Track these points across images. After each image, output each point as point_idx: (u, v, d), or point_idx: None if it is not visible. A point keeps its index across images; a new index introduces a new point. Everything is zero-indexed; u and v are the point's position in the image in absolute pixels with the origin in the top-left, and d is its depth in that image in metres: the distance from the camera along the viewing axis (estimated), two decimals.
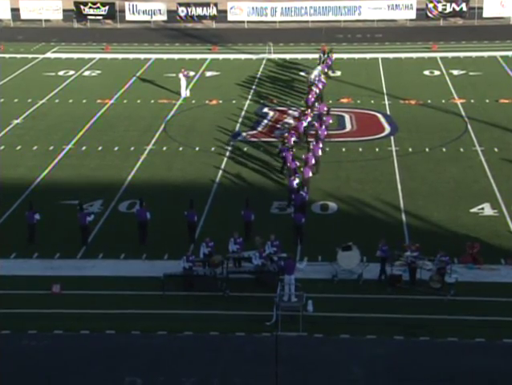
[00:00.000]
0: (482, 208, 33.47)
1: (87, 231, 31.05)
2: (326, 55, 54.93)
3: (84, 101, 49.77)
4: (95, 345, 24.33)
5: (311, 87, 47.29)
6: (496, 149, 40.06)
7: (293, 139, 38.82)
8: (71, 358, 23.59)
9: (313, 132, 40.70)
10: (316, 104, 44.85)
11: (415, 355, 23.63)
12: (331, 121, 42.34)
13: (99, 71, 57.17)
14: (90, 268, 29.28)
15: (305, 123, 41.08)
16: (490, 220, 32.49)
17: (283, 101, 48.83)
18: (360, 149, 40.60)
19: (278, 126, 44.37)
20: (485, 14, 69.59)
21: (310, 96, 45.41)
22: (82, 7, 72.52)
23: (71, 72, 56.79)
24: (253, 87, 52.25)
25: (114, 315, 25.98)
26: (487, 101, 47.92)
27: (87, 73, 56.87)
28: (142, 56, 61.07)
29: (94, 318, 25.81)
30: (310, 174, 34.96)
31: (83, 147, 41.74)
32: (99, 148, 41.56)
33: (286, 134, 39.65)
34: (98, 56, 61.41)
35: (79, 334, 24.89)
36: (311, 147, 37.68)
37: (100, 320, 25.60)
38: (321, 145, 38.10)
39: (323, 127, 40.23)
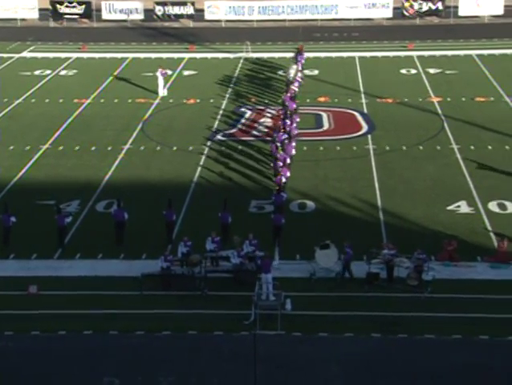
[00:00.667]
0: (459, 206, 33.69)
1: (64, 232, 30.88)
2: (298, 54, 54.88)
3: (61, 101, 49.51)
4: (72, 345, 24.20)
5: (290, 85, 47.37)
6: (472, 147, 40.34)
7: (283, 137, 38.69)
8: (48, 359, 23.46)
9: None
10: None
11: (393, 353, 23.73)
12: (298, 119, 42.38)
13: (75, 71, 56.88)
14: (67, 268, 29.12)
15: (289, 122, 40.98)
16: (467, 217, 32.72)
17: (261, 100, 48.87)
18: (338, 148, 40.72)
19: (256, 125, 44.43)
20: (461, 13, 70.06)
21: (288, 95, 45.46)
22: (58, 6, 72.14)
23: (48, 72, 56.47)
24: (231, 86, 52.25)
25: (91, 315, 25.86)
26: (463, 99, 48.25)
27: (63, 72, 56.57)
28: (119, 55, 60.84)
29: (71, 318, 25.66)
30: (289, 174, 34.99)
31: (60, 147, 41.53)
32: (76, 148, 41.36)
33: (276, 134, 39.20)
34: (74, 55, 61.10)
35: (56, 335, 24.75)
36: (285, 146, 37.65)
37: (78, 320, 25.47)
38: (294, 143, 38.21)
39: (294, 125, 40.32)
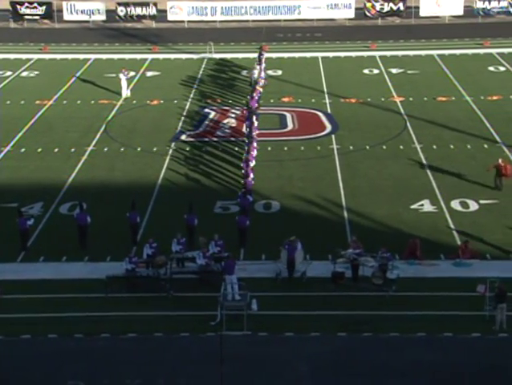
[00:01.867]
0: (422, 205, 34.00)
1: (26, 235, 30.57)
2: (260, 53, 54.96)
3: (22, 102, 49.00)
4: (36, 349, 23.98)
5: (255, 86, 47.48)
6: (434, 146, 40.74)
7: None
8: (12, 364, 23.20)
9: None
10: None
11: (358, 351, 23.87)
12: (255, 118, 42.50)
13: (37, 72, 56.32)
14: (31, 271, 28.82)
15: (249, 122, 41.06)
16: (430, 216, 33.03)
17: (225, 100, 48.86)
18: (302, 148, 40.86)
19: (220, 126, 44.44)
20: (422, 13, 70.69)
21: (254, 95, 45.55)
22: (18, 7, 71.24)
23: (8, 73, 55.82)
24: (195, 86, 52.15)
25: (56, 319, 25.64)
26: (425, 99, 48.70)
27: (24, 74, 55.98)
28: (81, 56, 60.37)
29: (35, 322, 25.42)
30: (252, 175, 35.07)
31: (22, 149, 41.12)
32: (39, 150, 40.98)
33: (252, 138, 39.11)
34: (36, 56, 60.48)
35: (20, 339, 24.50)
36: (251, 147, 37.67)
37: (42, 324, 25.24)
38: (255, 144, 38.34)
39: (255, 125, 40.39)
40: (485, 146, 40.67)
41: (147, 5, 70.66)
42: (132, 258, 27.73)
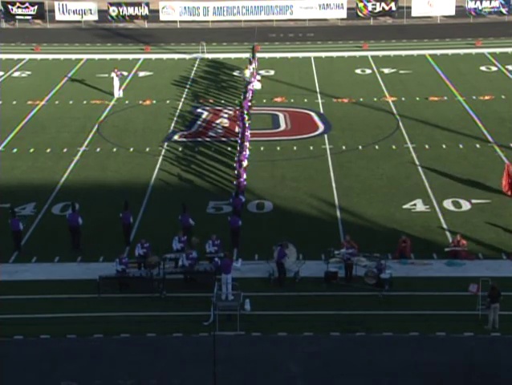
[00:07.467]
0: (414, 205, 34.06)
1: (19, 236, 30.50)
2: (251, 54, 55.03)
3: (14, 102, 48.88)
4: (29, 350, 23.93)
5: (248, 86, 47.49)
6: (427, 146, 40.82)
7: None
8: (5, 365, 23.13)
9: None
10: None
11: (351, 351, 23.90)
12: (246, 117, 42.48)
13: (29, 72, 56.20)
14: (23, 272, 28.76)
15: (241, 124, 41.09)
16: (422, 215, 33.09)
17: (218, 100, 48.85)
18: (295, 148, 40.89)
19: (213, 126, 44.42)
20: (414, 14, 70.86)
21: (247, 95, 45.56)
22: (10, 7, 71.07)
23: (0, 73, 55.68)
24: (187, 86, 52.13)
25: (49, 319, 25.59)
26: (417, 99, 48.78)
27: (16, 74, 55.85)
28: (73, 56, 60.26)
29: (28, 323, 25.37)
30: (245, 176, 35.05)
31: (14, 150, 41.03)
32: (31, 150, 40.90)
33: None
34: (27, 57, 60.36)
35: (12, 340, 24.44)
36: (243, 147, 37.68)
37: (35, 325, 25.19)
38: (248, 144, 38.37)
39: (247, 125, 40.47)
40: (477, 146, 40.77)
41: (139, 5, 70.59)
42: (122, 259, 27.68)
